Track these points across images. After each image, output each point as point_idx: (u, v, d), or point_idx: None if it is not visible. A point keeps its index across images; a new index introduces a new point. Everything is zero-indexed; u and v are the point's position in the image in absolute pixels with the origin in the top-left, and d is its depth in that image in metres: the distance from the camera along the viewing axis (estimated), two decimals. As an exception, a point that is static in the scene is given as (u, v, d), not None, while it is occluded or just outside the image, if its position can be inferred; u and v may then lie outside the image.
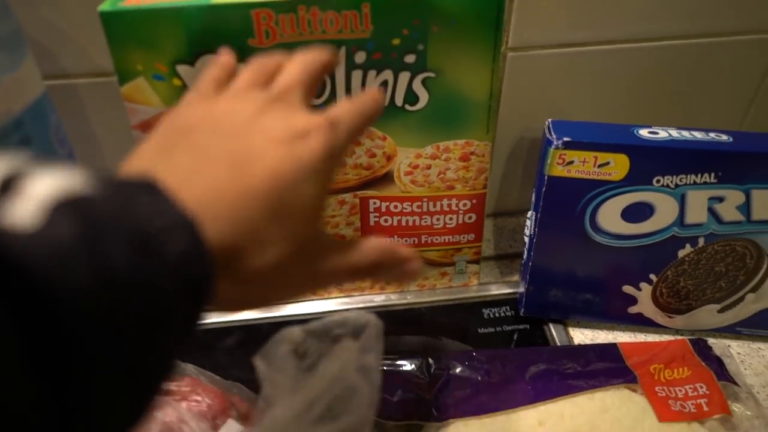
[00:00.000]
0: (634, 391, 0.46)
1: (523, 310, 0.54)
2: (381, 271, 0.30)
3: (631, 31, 0.52)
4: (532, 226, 0.49)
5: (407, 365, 0.48)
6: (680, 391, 0.46)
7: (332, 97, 0.45)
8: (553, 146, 0.45)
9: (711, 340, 0.51)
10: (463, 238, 0.53)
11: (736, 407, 0.46)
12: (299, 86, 0.29)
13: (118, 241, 0.19)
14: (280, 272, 0.26)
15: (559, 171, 0.46)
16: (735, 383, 0.47)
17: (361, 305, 0.56)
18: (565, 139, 0.45)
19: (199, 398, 0.40)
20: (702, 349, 0.50)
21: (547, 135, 0.46)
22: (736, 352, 0.51)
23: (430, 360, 0.48)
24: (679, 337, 0.51)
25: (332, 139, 0.27)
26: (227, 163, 0.25)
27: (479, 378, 0.48)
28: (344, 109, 0.29)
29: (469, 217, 0.52)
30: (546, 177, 0.46)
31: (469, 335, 0.54)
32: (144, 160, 0.26)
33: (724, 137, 0.45)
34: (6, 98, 0.38)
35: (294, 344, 0.36)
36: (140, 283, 0.19)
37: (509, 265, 0.60)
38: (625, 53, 0.52)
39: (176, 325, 0.21)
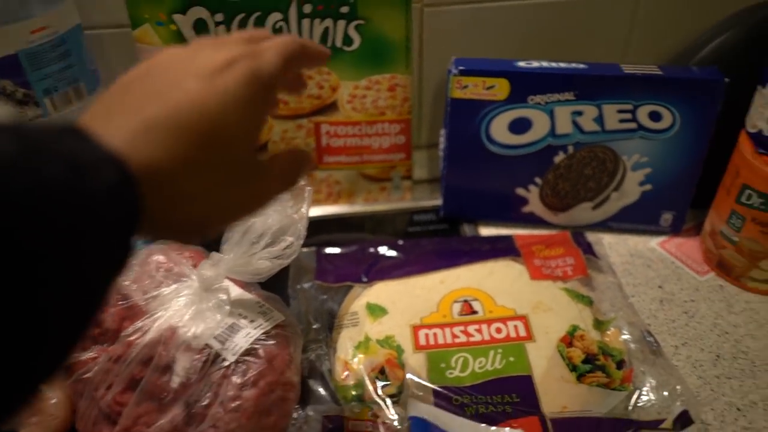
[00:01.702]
0: (517, 262, 0.61)
1: (442, 212, 0.69)
2: (294, 175, 0.35)
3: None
4: (444, 141, 0.64)
5: (347, 249, 0.63)
6: (553, 262, 0.61)
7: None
8: (452, 74, 0.60)
9: (588, 233, 0.66)
10: (396, 156, 0.68)
11: (595, 274, 0.61)
12: (276, 53, 0.31)
13: (52, 161, 0.21)
14: (216, 196, 0.29)
15: (458, 94, 0.61)
16: (597, 257, 0.62)
17: (320, 213, 0.71)
18: (461, 68, 0.60)
19: (183, 252, 0.54)
20: (578, 237, 0.64)
21: (450, 68, 0.61)
22: (607, 241, 0.65)
23: (364, 246, 0.63)
24: (563, 231, 0.66)
25: (255, 67, 0.29)
26: (155, 102, 0.27)
27: (402, 256, 0.63)
28: (270, 43, 0.32)
29: (400, 139, 0.67)
30: (449, 99, 0.61)
31: (401, 233, 0.69)
32: (89, 111, 0.28)
33: (582, 66, 0.59)
34: (56, 21, 0.54)
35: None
36: (73, 202, 0.21)
37: (439, 186, 0.75)
38: (519, 8, 0.67)
39: (109, 249, 0.23)
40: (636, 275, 0.61)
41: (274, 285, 0.59)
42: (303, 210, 0.50)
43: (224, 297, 0.48)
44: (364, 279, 0.60)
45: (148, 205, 0.25)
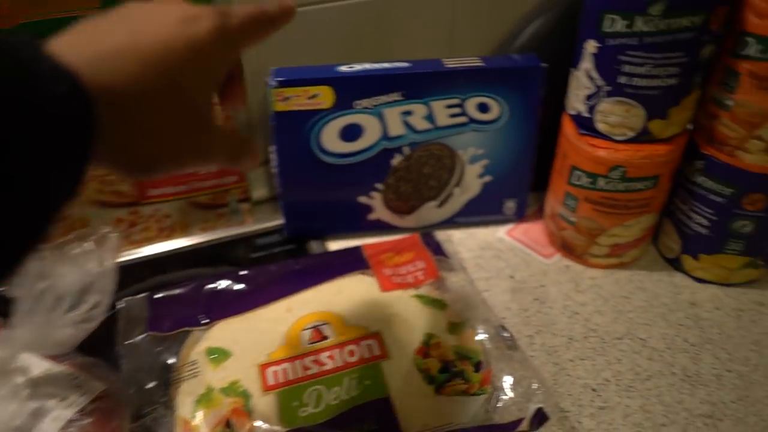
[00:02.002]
0: (367, 275, 0.58)
1: (285, 233, 0.64)
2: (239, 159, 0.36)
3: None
4: (277, 159, 0.60)
5: (180, 290, 0.57)
6: (403, 269, 0.58)
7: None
8: (271, 87, 0.55)
9: (437, 232, 0.64)
10: (228, 179, 0.63)
11: (447, 274, 0.59)
12: (241, 13, 0.33)
13: (8, 67, 0.22)
14: (169, 135, 0.30)
15: (281, 106, 0.56)
16: (446, 257, 0.60)
17: (153, 252, 0.64)
18: (279, 79, 0.55)
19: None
20: (427, 238, 0.62)
21: (269, 80, 0.56)
22: (456, 237, 0.64)
23: (201, 282, 0.58)
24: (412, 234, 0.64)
25: (222, 24, 0.31)
26: (124, 33, 0.28)
27: (244, 288, 0.58)
28: (240, 8, 0.33)
29: (226, 160, 0.62)
30: (273, 113, 0.57)
31: (243, 261, 0.63)
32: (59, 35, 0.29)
33: (405, 65, 0.57)
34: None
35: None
36: (25, 105, 0.22)
37: (285, 203, 0.71)
38: (335, 10, 0.63)
39: (61, 162, 0.24)
40: (487, 268, 0.61)
41: (102, 345, 0.52)
42: (108, 262, 0.44)
43: (21, 380, 0.41)
44: (204, 321, 0.54)
45: (104, 126, 0.26)
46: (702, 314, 0.56)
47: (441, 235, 0.64)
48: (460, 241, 0.64)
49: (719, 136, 0.50)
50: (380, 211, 0.63)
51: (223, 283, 0.58)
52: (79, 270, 0.43)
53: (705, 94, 0.51)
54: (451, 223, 0.65)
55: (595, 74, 0.50)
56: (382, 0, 0.64)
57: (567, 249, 0.60)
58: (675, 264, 0.59)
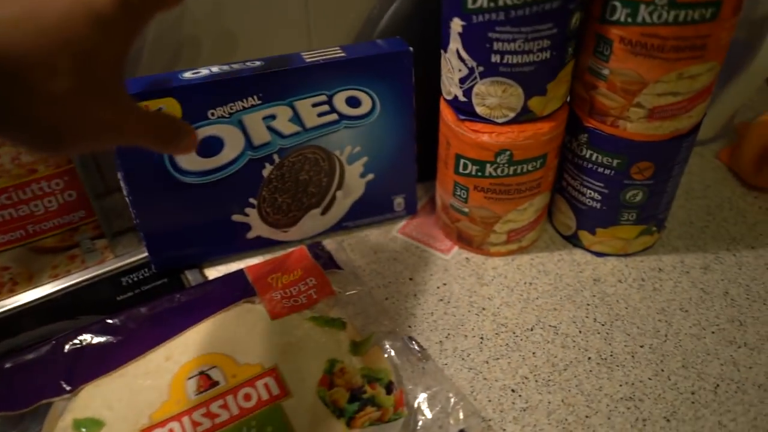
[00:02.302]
0: (253, 303, 0.52)
1: (153, 268, 0.56)
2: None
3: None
4: (125, 186, 0.52)
5: (33, 354, 0.48)
6: (294, 289, 0.53)
7: None
8: None
9: (327, 241, 0.59)
10: (74, 216, 0.54)
11: (343, 288, 0.54)
12: None
13: None
14: (72, 105, 0.29)
15: None
16: (339, 268, 0.55)
17: (-4, 314, 0.54)
18: None
19: None
20: (315, 249, 0.57)
21: None
22: (348, 243, 0.59)
23: (60, 341, 0.49)
24: (299, 246, 0.58)
25: None
26: (21, 3, 0.28)
27: (112, 339, 0.49)
28: None
29: (69, 195, 0.53)
30: None
31: (109, 306, 0.55)
32: None
33: (258, 63, 0.51)
34: None
35: None
36: None
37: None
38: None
39: None
40: (385, 274, 0.56)
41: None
42: None
43: None
44: (67, 387, 0.46)
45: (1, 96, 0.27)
46: (607, 290, 0.54)
47: (330, 243, 0.58)
48: (352, 247, 0.59)
49: (599, 107, 0.48)
50: (259, 228, 0.57)
51: (85, 338, 0.50)
52: None
53: (579, 64, 0.49)
54: (340, 228, 0.60)
55: (465, 55, 0.46)
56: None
57: (464, 241, 0.57)
58: (573, 241, 0.58)
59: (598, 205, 0.53)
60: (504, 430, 0.44)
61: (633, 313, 0.52)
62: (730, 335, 0.50)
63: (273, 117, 0.51)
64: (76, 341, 0.49)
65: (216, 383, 0.46)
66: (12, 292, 0.55)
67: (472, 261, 0.57)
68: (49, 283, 0.56)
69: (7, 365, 0.48)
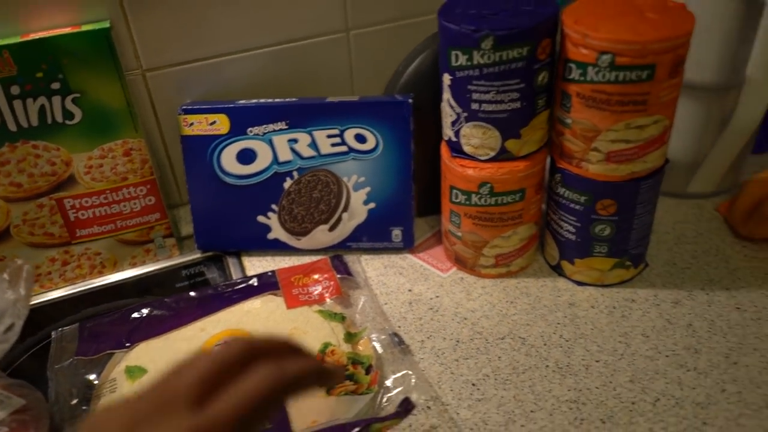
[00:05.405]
0: (276, 295, 0.64)
1: (197, 245, 0.71)
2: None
3: (234, 44, 0.71)
4: (187, 179, 0.67)
5: (108, 319, 0.63)
6: (311, 287, 0.64)
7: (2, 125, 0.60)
8: (179, 114, 0.65)
9: (347, 255, 0.70)
10: (152, 217, 0.69)
11: (351, 291, 0.65)
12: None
13: None
14: None
15: (187, 131, 0.66)
16: (351, 275, 0.66)
17: (87, 287, 0.70)
18: (185, 107, 0.65)
19: None
20: (336, 261, 0.68)
21: (178, 110, 0.65)
22: (364, 258, 0.70)
23: (127, 311, 0.63)
24: (323, 257, 0.70)
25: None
26: None
27: (165, 313, 0.63)
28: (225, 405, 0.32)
29: (149, 200, 0.68)
30: (180, 137, 0.66)
31: (170, 291, 0.69)
32: None
33: (293, 99, 0.65)
34: None
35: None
36: None
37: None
38: (240, 60, 0.71)
39: None
40: (389, 284, 0.66)
41: (35, 371, 0.57)
42: (21, 290, 0.50)
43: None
44: (126, 344, 0.60)
45: None
46: (579, 313, 0.61)
47: (350, 257, 0.69)
48: (367, 261, 0.70)
49: (567, 151, 0.57)
50: (277, 231, 0.70)
51: (145, 311, 0.64)
52: (-6, 295, 0.48)
53: (552, 114, 0.58)
54: (344, 247, 0.70)
55: (453, 103, 0.57)
56: (280, 49, 0.72)
57: (460, 262, 0.66)
58: (558, 270, 0.65)
59: (574, 238, 0.61)
60: (458, 413, 0.52)
61: (597, 333, 0.59)
62: (682, 360, 0.56)
63: (296, 141, 0.65)
64: (138, 312, 0.63)
65: (234, 351, 0.58)
66: (101, 273, 0.70)
67: (465, 280, 0.66)
68: (128, 269, 0.71)
69: (89, 325, 0.62)
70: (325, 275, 0.65)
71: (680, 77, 0.52)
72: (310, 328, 0.59)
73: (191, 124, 0.65)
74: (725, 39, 0.61)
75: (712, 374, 0.54)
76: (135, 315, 0.63)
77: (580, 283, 0.64)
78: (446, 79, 0.56)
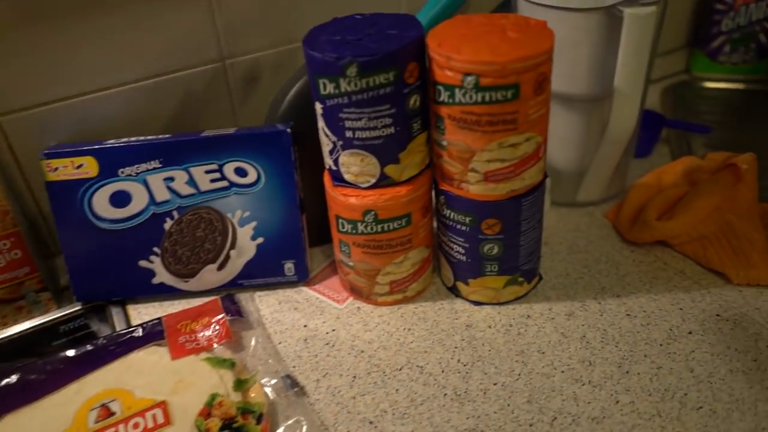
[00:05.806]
0: (161, 345, 0.60)
1: (75, 297, 0.66)
2: None
3: (101, 80, 0.67)
4: (57, 226, 0.62)
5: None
6: (199, 334, 0.60)
7: None
8: (41, 159, 0.60)
9: (240, 293, 0.67)
10: (20, 272, 0.64)
11: (243, 333, 0.62)
12: None
13: None
14: None
15: (52, 176, 0.61)
16: (242, 316, 0.63)
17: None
18: (46, 151, 0.60)
19: None
20: (226, 300, 0.65)
21: (40, 154, 0.61)
22: (258, 295, 0.67)
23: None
24: (215, 297, 0.66)
25: None
26: None
27: (37, 377, 0.58)
28: None
29: (15, 254, 0.63)
30: (45, 183, 0.61)
31: (45, 350, 0.64)
32: None
33: (167, 136, 0.62)
34: None
35: None
36: None
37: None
38: (109, 97, 0.67)
39: None
40: (283, 321, 0.63)
41: None
42: None
43: None
44: (-10, 419, 0.54)
45: None
46: (476, 334, 0.60)
47: (243, 295, 0.66)
48: (261, 298, 0.67)
49: (447, 173, 0.56)
50: (163, 275, 0.66)
51: (15, 377, 0.58)
52: None
53: (430, 137, 0.57)
54: (236, 285, 0.67)
55: (328, 131, 0.55)
56: (153, 84, 0.69)
57: (356, 292, 0.64)
58: (455, 291, 0.64)
59: (464, 258, 0.60)
60: (353, 456, 0.50)
61: (494, 354, 0.58)
62: (577, 374, 0.55)
63: (172, 179, 0.61)
64: (7, 379, 0.58)
65: (113, 413, 0.53)
66: (-32, 336, 0.64)
67: (362, 310, 0.64)
68: (-1, 331, 0.65)
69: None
70: (215, 318, 0.62)
71: (547, 94, 0.52)
72: (196, 379, 0.56)
73: (56, 168, 0.60)
74: (592, 52, 0.62)
75: (606, 386, 0.54)
76: (4, 382, 0.58)
77: (476, 303, 0.63)
78: (318, 108, 0.54)
